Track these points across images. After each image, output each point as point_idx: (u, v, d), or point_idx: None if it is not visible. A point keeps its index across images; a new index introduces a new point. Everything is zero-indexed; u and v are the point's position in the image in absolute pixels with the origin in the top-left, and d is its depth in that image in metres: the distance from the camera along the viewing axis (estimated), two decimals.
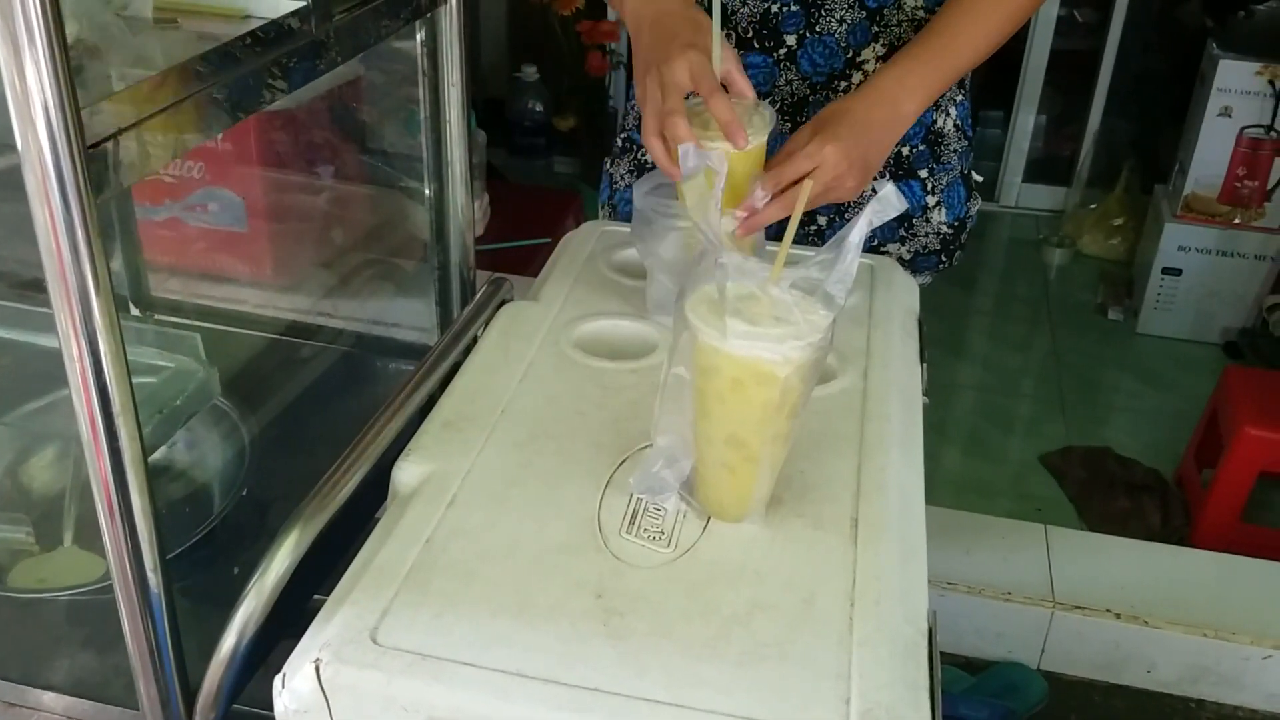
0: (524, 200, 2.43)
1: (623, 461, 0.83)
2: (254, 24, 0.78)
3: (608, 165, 1.25)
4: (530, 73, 3.49)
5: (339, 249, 1.19)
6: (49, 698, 0.78)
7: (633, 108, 1.25)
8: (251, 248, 1.23)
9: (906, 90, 0.96)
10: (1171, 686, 1.64)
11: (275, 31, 0.74)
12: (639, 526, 0.76)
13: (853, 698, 0.63)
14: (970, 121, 1.18)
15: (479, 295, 1.05)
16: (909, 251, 1.19)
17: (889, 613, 0.69)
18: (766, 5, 1.05)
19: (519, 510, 0.77)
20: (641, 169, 1.21)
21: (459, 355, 0.97)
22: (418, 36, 1.03)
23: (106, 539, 0.67)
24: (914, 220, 1.16)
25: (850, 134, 0.92)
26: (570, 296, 1.04)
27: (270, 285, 1.17)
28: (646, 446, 0.84)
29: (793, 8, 1.05)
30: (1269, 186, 2.69)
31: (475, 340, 1.00)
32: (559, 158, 3.67)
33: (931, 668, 0.68)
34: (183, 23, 0.77)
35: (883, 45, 1.06)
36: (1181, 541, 2.12)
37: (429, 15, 0.99)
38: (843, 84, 1.08)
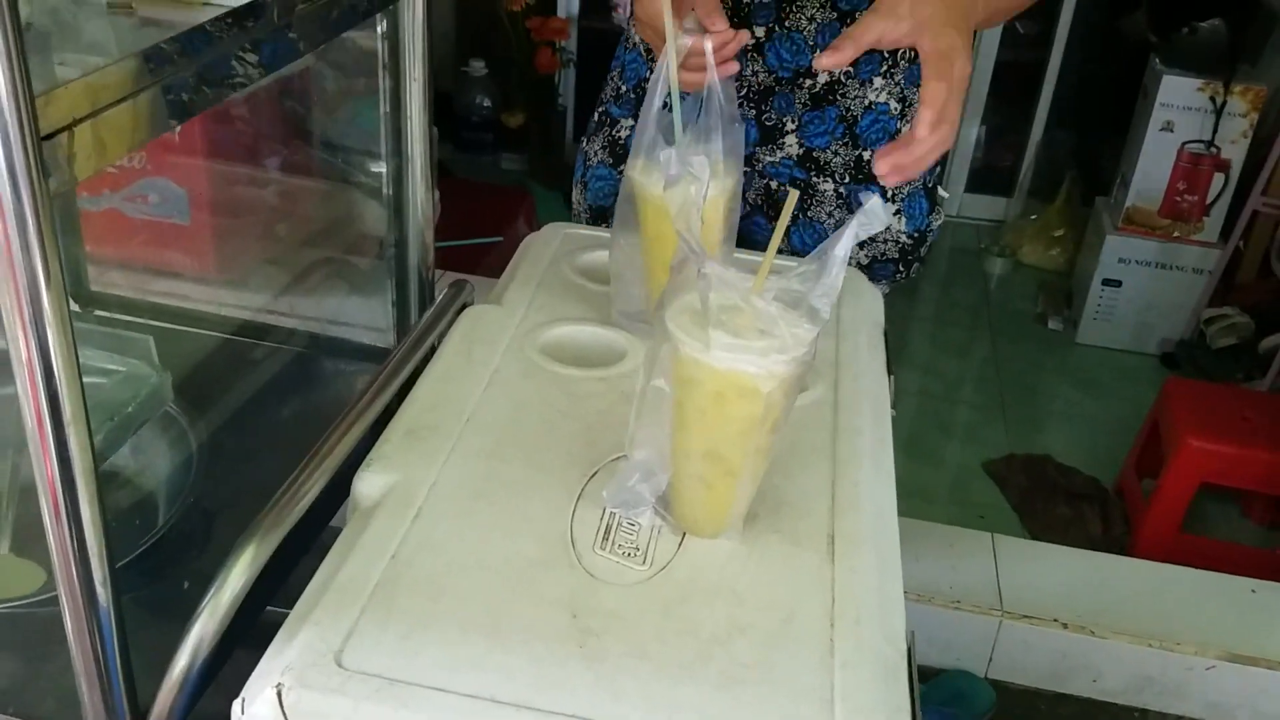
0: (474, 197, 2.39)
1: (594, 474, 0.80)
2: (213, 11, 0.74)
3: (583, 143, 1.23)
4: (478, 67, 3.45)
5: (290, 246, 1.15)
6: None
7: (611, 79, 1.22)
8: (195, 242, 1.18)
9: None
10: (1117, 696, 1.66)
11: (238, 19, 0.71)
12: (613, 542, 0.74)
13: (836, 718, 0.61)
14: None
15: (440, 299, 1.02)
16: (866, 257, 1.18)
17: (869, 633, 0.68)
18: None
19: (488, 524, 0.74)
20: (614, 145, 1.20)
21: (420, 360, 0.94)
22: (378, 28, 0.99)
23: (54, 553, 0.63)
24: None
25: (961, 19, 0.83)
26: (534, 301, 1.02)
27: (217, 282, 1.13)
28: (619, 458, 0.82)
29: (764, 0, 1.03)
30: (1208, 201, 2.75)
31: (436, 345, 0.97)
32: (506, 154, 3.63)
33: (911, 689, 0.67)
34: (138, 8, 0.73)
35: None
36: (1122, 550, 2.15)
37: (391, 6, 0.96)
38: (807, 81, 1.08)
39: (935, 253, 3.48)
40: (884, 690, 0.65)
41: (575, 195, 1.24)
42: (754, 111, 1.10)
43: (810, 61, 1.06)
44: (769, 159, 1.14)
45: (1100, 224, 2.92)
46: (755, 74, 1.08)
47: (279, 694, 0.60)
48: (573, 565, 0.71)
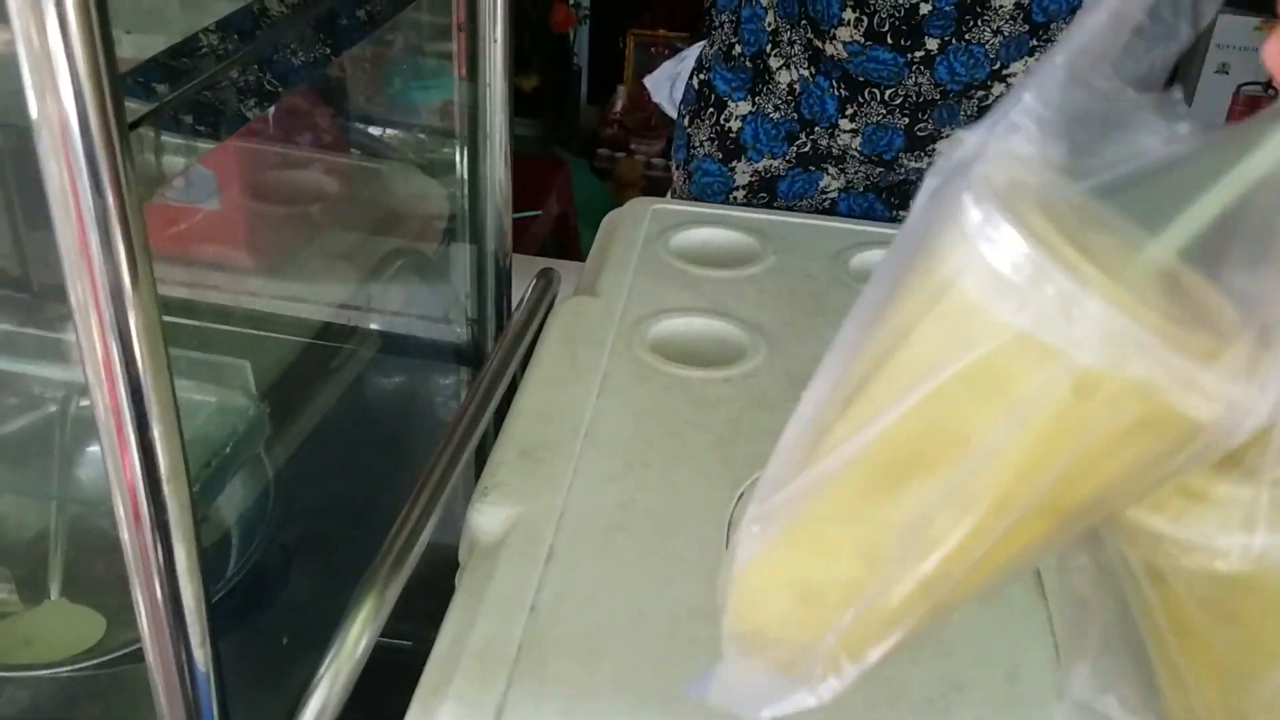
0: None
1: (739, 496, 0.70)
2: None
3: (684, 122, 1.08)
4: None
5: (356, 236, 1.03)
6: None
7: (719, 30, 1.02)
8: (247, 234, 1.07)
9: None
10: None
11: None
12: None
13: None
14: None
15: (529, 291, 0.91)
16: None
17: None
18: (917, 1, 0.88)
19: (632, 563, 0.64)
20: (724, 137, 1.04)
21: (518, 363, 0.84)
22: None
23: (145, 626, 0.52)
24: None
25: None
26: (633, 289, 0.90)
27: (275, 280, 1.01)
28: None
29: (946, 8, 0.88)
30: None
31: (531, 343, 0.86)
32: (520, 119, 3.48)
33: None
34: None
35: (1036, 59, 0.92)
36: None
37: None
38: (979, 93, 0.93)
39: None
40: None
41: (677, 176, 1.10)
42: (905, 121, 0.96)
43: (987, 74, 0.92)
44: (914, 165, 1.01)
45: None
46: (918, 85, 0.93)
47: None
48: None
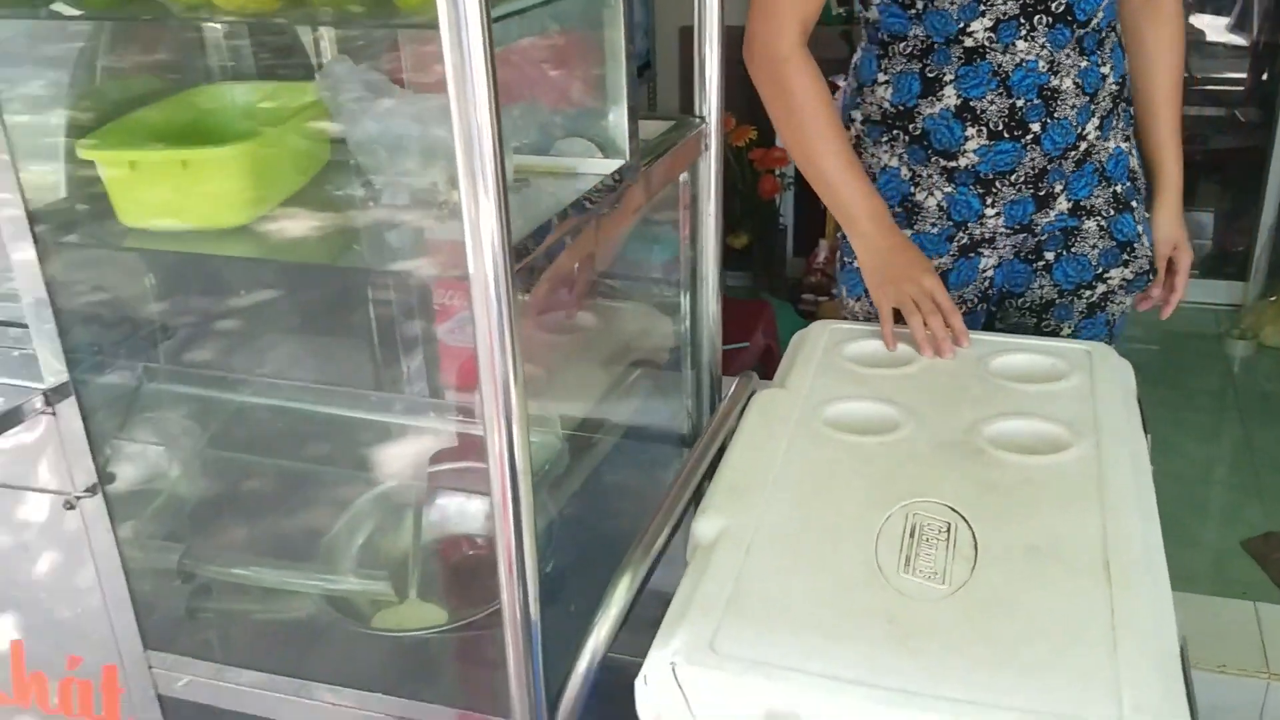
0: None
1: (888, 516, 0.97)
2: (581, 179, 0.99)
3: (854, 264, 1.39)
4: None
5: (608, 357, 1.39)
6: (431, 709, 0.97)
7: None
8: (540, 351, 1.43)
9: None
10: None
11: (616, 179, 0.95)
12: (915, 567, 0.90)
13: (1124, 697, 0.75)
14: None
15: (735, 385, 1.22)
16: (1131, 273, 1.39)
17: (1147, 638, 0.81)
18: (1013, 101, 1.25)
19: (808, 556, 0.92)
20: None
21: (725, 436, 1.14)
22: (681, 178, 1.23)
23: (503, 584, 0.84)
24: (1134, 245, 1.37)
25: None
26: (814, 384, 1.20)
27: (550, 390, 1.37)
28: (909, 503, 0.98)
29: (1035, 101, 1.25)
30: None
31: (735, 425, 1.17)
32: (731, 272, 3.90)
33: (1187, 680, 0.79)
34: (533, 181, 1.00)
35: (1097, 118, 1.29)
36: None
37: (695, 160, 1.20)
38: (1071, 153, 1.29)
39: (1173, 338, 3.46)
40: (1164, 683, 0.77)
41: (859, 307, 1.41)
42: (1030, 190, 1.31)
43: (1074, 137, 1.28)
44: (1044, 220, 1.34)
45: None
46: (1032, 160, 1.28)
47: (674, 670, 0.79)
48: (884, 586, 0.88)
